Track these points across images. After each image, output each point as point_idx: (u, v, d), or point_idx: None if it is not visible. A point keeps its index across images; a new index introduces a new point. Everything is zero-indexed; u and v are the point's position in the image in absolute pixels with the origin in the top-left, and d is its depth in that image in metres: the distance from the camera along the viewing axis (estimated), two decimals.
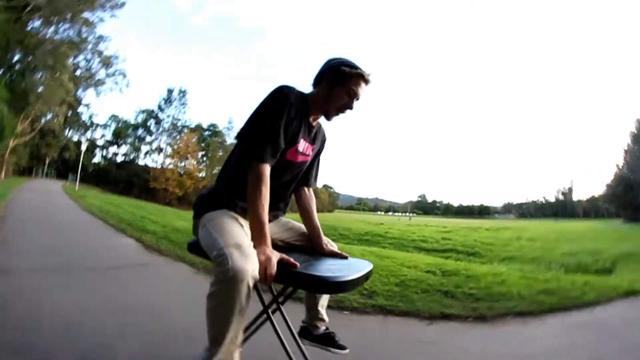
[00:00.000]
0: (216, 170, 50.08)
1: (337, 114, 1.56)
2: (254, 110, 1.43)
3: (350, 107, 1.54)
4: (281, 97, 1.41)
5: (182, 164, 46.08)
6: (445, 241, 15.93)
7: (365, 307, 2.76)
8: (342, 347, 1.68)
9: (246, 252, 1.18)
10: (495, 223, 38.39)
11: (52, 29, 22.94)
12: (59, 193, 14.85)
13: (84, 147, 24.27)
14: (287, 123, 1.39)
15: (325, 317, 1.74)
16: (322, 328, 1.72)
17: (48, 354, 1.63)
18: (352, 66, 1.50)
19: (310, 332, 1.70)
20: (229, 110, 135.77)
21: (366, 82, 1.53)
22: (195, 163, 47.44)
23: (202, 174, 47.73)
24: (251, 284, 1.14)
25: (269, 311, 1.39)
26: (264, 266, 1.18)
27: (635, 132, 37.17)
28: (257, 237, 1.29)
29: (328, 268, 1.36)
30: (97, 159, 50.84)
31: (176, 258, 4.21)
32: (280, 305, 1.44)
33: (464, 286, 3.36)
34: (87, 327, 1.96)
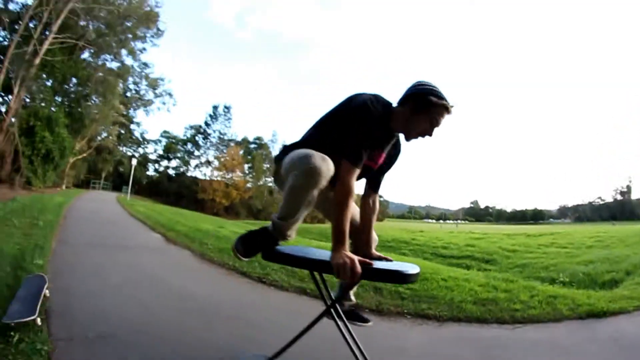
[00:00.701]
0: (262, 182, 52.60)
1: (416, 137, 1.66)
2: (337, 118, 1.64)
3: (430, 134, 1.63)
4: (365, 112, 1.56)
5: (229, 176, 48.14)
6: (468, 248, 15.63)
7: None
8: (366, 320, 1.91)
9: (326, 159, 1.43)
10: (542, 228, 35.00)
11: (100, 60, 26.28)
12: (111, 202, 17.15)
13: (134, 162, 26.97)
14: (369, 138, 1.56)
15: (353, 298, 2.01)
16: (347, 305, 1.92)
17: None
18: (439, 96, 1.57)
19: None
20: (274, 122, 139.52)
21: (449, 112, 1.61)
22: (240, 175, 49.55)
23: (249, 185, 50.00)
24: (324, 184, 1.43)
25: (336, 305, 1.67)
26: (350, 267, 1.34)
27: None
28: (340, 242, 1.44)
29: (392, 266, 1.61)
30: (150, 172, 54.64)
31: (184, 247, 5.58)
32: (336, 303, 1.68)
33: (400, 287, 3.40)
34: (110, 274, 3.37)
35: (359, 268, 1.34)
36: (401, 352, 2.26)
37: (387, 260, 1.76)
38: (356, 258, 1.37)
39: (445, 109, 1.57)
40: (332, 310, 1.63)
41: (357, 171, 1.52)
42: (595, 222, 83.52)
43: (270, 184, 54.95)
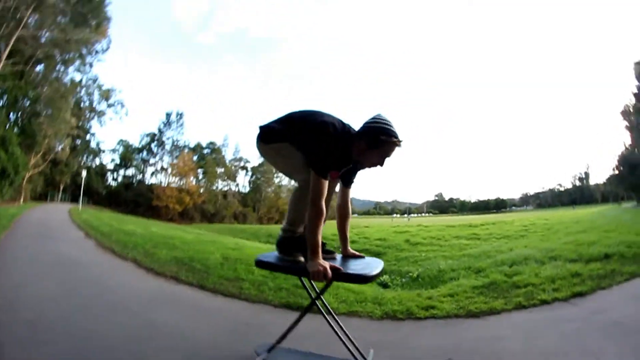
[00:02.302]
0: (215, 186, 55.08)
1: (369, 167, 1.99)
2: (308, 142, 1.91)
3: (381, 165, 1.94)
4: (328, 139, 1.87)
5: (182, 182, 50.53)
6: (376, 241, 15.80)
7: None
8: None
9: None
10: (493, 217, 37.07)
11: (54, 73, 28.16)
12: (63, 212, 19.25)
13: (83, 174, 29.02)
14: (331, 157, 1.88)
15: None
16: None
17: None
18: (389, 134, 1.87)
19: None
20: (233, 125, 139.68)
21: (399, 146, 1.90)
22: (192, 180, 52.03)
23: (202, 190, 52.38)
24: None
25: (321, 298, 2.06)
26: (322, 273, 1.71)
27: (635, 104, 31.64)
28: (315, 253, 1.79)
29: (357, 267, 1.93)
30: (110, 181, 55.12)
31: (97, 244, 8.07)
32: (321, 296, 2.05)
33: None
34: (52, 258, 6.20)
35: (330, 273, 1.71)
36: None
37: (360, 257, 2.17)
38: (328, 265, 1.73)
39: (395, 145, 1.87)
40: (316, 302, 2.01)
41: (325, 182, 1.84)
42: (556, 208, 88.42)
43: (223, 188, 57.16)
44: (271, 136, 2.03)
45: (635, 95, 29.58)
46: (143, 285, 4.36)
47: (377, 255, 12.37)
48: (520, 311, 3.34)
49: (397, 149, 1.91)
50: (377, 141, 1.87)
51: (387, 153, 1.92)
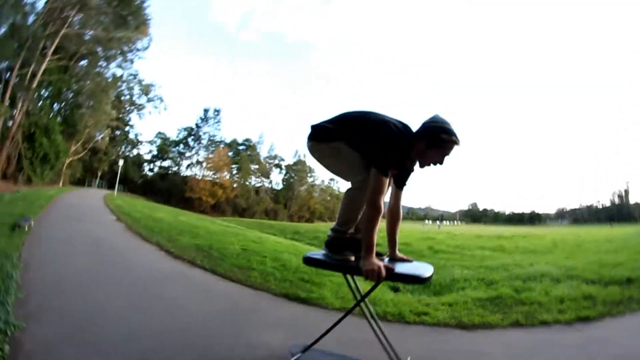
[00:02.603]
0: (248, 182, 56.23)
1: (429, 165, 1.98)
2: (369, 140, 1.93)
3: (441, 164, 1.95)
4: (391, 137, 1.90)
5: (217, 176, 51.76)
6: (402, 246, 16.86)
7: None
8: None
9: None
10: (526, 230, 35.59)
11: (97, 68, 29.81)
12: (98, 197, 20.44)
13: (120, 163, 30.57)
14: (395, 157, 1.93)
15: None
16: None
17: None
18: (450, 133, 1.89)
19: None
20: (267, 123, 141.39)
21: (458, 145, 1.92)
22: (226, 175, 53.29)
23: (235, 185, 53.49)
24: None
25: (365, 301, 2.09)
26: (377, 272, 1.74)
27: None
28: (370, 252, 1.83)
29: (409, 269, 1.97)
30: (146, 171, 57.03)
31: (127, 228, 8.63)
32: (365, 298, 2.07)
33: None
34: (83, 238, 6.75)
35: (384, 272, 1.75)
36: None
37: (408, 261, 2.17)
38: (382, 264, 1.78)
39: (454, 143, 1.90)
40: (361, 304, 2.03)
41: (385, 181, 1.88)
42: (592, 224, 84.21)
43: (256, 184, 58.05)
44: (325, 135, 2.04)
45: None
46: (159, 265, 4.71)
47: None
48: (515, 329, 3.14)
49: (455, 147, 1.93)
50: (437, 140, 1.89)
51: (447, 152, 1.93)
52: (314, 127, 2.10)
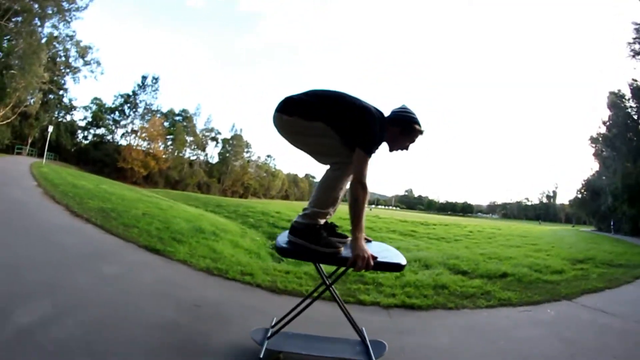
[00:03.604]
0: (183, 153, 55.18)
1: (397, 150, 2.15)
2: (353, 123, 1.96)
3: (407, 150, 2.15)
4: (374, 120, 1.99)
5: (150, 146, 50.75)
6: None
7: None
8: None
9: None
10: (451, 219, 37.47)
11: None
12: (25, 165, 20.30)
13: (50, 129, 29.63)
14: (379, 138, 2.04)
15: None
16: None
17: None
18: (420, 124, 2.09)
19: None
20: (206, 95, 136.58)
21: (422, 136, 2.14)
22: (161, 145, 52.40)
23: (169, 156, 52.61)
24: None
25: (332, 287, 2.12)
26: (367, 260, 1.80)
27: (603, 133, 30.25)
28: (361, 233, 1.87)
29: (387, 255, 2.06)
30: (80, 139, 53.99)
31: (45, 193, 9.48)
32: (332, 285, 2.12)
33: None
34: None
35: (372, 262, 1.79)
36: None
37: (368, 240, 2.24)
38: (370, 253, 1.81)
39: (421, 134, 2.12)
40: (330, 288, 2.10)
41: (368, 161, 1.94)
42: (520, 220, 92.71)
43: (191, 157, 57.51)
44: (307, 111, 2.01)
45: (604, 123, 28.88)
46: (60, 221, 5.86)
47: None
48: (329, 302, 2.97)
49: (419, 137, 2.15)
50: (411, 128, 2.09)
51: (414, 140, 2.14)
52: (290, 99, 2.07)
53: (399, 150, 2.17)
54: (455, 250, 8.99)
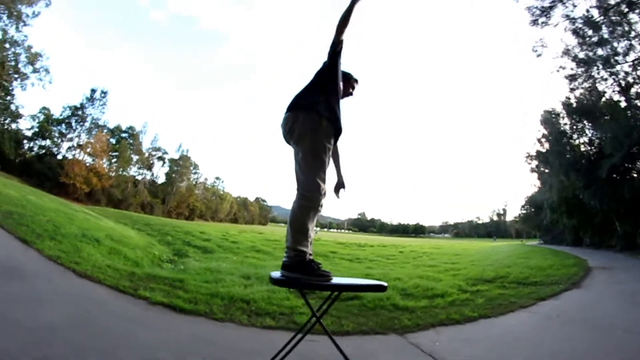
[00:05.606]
0: (127, 172, 53.27)
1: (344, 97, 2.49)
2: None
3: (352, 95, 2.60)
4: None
5: (94, 162, 48.54)
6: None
7: None
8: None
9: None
10: (397, 240, 38.63)
11: None
12: None
13: None
14: None
15: None
16: None
17: None
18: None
19: None
20: (157, 112, 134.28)
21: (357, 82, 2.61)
22: (105, 162, 50.48)
23: (113, 173, 50.80)
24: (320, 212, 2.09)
25: (320, 319, 2.07)
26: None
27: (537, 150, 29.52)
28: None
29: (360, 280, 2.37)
30: (25, 149, 49.74)
31: None
32: (322, 316, 2.12)
33: None
34: None
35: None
36: None
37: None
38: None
39: (356, 81, 2.54)
40: (319, 321, 2.05)
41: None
42: (471, 238, 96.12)
43: (136, 176, 55.66)
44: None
45: (538, 140, 28.64)
46: None
47: (205, 250, 12.00)
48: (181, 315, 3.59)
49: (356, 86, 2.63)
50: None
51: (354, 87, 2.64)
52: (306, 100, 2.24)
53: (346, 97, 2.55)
54: (356, 270, 9.28)
